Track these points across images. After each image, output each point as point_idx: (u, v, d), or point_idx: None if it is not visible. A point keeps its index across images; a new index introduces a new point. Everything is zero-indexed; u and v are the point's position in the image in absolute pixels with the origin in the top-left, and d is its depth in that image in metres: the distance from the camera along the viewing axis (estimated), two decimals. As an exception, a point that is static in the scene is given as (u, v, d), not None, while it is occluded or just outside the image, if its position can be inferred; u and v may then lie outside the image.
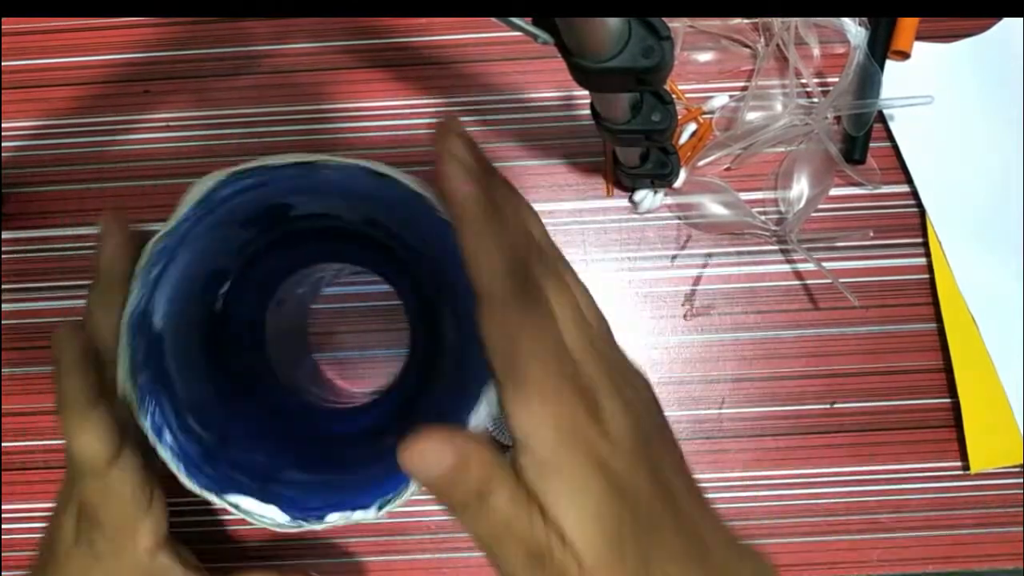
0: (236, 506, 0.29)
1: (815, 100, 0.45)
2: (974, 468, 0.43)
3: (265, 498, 0.30)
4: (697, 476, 0.26)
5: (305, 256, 0.38)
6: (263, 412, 0.36)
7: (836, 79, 0.45)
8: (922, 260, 0.44)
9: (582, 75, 0.28)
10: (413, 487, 0.28)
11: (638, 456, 0.24)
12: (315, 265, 0.39)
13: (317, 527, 0.29)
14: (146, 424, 0.28)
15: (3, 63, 0.46)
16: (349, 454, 0.35)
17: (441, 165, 0.23)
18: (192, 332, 0.32)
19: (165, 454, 0.29)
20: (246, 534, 0.43)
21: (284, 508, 0.30)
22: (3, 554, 0.44)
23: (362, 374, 0.44)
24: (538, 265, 0.25)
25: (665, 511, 0.23)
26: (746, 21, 0.45)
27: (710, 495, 0.25)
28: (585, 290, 0.28)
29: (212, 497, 0.29)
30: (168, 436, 0.29)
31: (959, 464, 0.43)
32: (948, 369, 0.43)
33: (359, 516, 0.29)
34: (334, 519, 0.29)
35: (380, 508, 0.29)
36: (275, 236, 0.34)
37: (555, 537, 0.22)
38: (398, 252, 0.35)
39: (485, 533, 0.23)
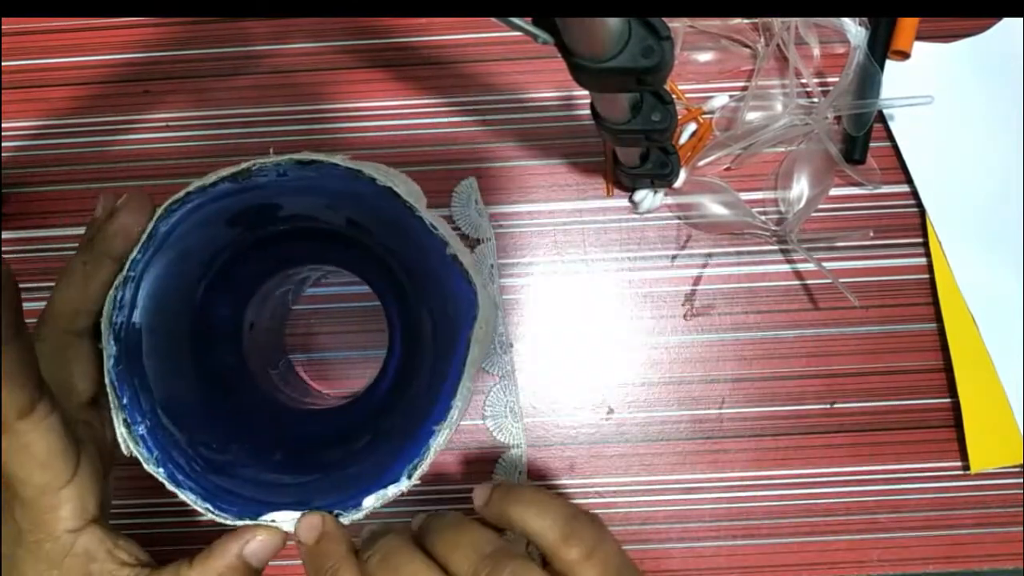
0: (272, 522, 0.29)
1: (815, 100, 0.45)
2: (974, 468, 0.43)
3: (248, 505, 0.29)
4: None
5: (287, 257, 0.38)
6: (239, 414, 0.36)
7: (836, 79, 0.45)
8: (922, 260, 0.44)
9: (582, 75, 0.28)
10: (422, 468, 0.28)
11: None
12: (297, 266, 0.39)
13: (358, 516, 0.29)
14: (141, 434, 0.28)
15: (3, 63, 0.46)
16: (324, 455, 0.35)
17: None
18: (172, 328, 0.32)
19: (187, 495, 0.28)
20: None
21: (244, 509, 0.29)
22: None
23: (337, 376, 0.44)
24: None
25: None
26: (746, 21, 0.45)
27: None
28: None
29: (243, 523, 0.28)
30: (176, 461, 0.29)
31: (959, 464, 0.43)
32: (948, 369, 0.43)
33: (393, 490, 0.29)
34: (370, 502, 0.29)
35: (409, 477, 0.28)
36: (259, 236, 0.34)
37: None
38: (378, 253, 0.35)
39: None
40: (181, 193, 0.28)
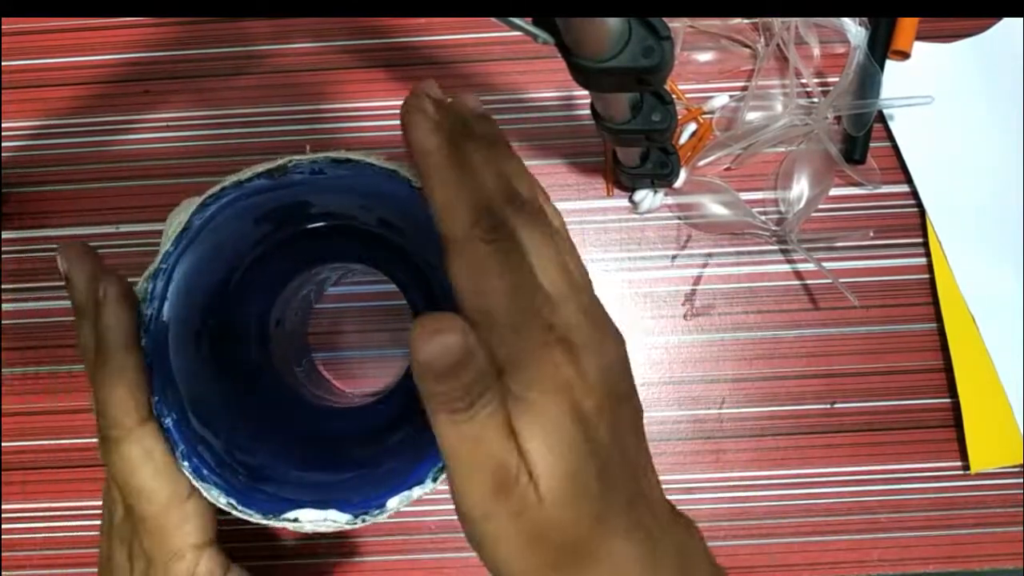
0: (296, 520, 0.28)
1: (815, 100, 0.45)
2: (974, 468, 0.43)
3: (281, 505, 0.29)
4: (645, 443, 0.27)
5: (317, 255, 0.38)
6: (265, 411, 0.36)
7: (836, 79, 0.45)
8: (922, 260, 0.44)
9: (582, 75, 0.28)
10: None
11: (608, 405, 0.24)
12: (325, 264, 0.39)
13: (381, 518, 0.28)
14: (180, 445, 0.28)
15: (3, 63, 0.46)
16: (357, 453, 0.35)
17: (406, 118, 0.24)
18: (197, 333, 0.32)
19: (211, 491, 0.28)
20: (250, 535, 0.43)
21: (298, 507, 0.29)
22: (3, 554, 0.44)
23: (363, 375, 0.44)
24: (516, 213, 0.24)
25: (623, 465, 0.24)
26: (746, 21, 0.45)
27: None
28: (568, 243, 0.27)
29: (268, 521, 0.28)
30: (195, 457, 0.28)
31: (959, 464, 0.43)
32: (948, 369, 0.43)
33: (418, 492, 0.28)
34: (395, 503, 0.28)
35: (435, 480, 0.28)
36: (290, 233, 0.34)
37: (524, 469, 0.22)
38: (408, 251, 0.35)
39: (458, 445, 0.22)
40: (217, 188, 0.28)
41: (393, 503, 0.28)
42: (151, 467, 0.27)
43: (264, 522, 0.28)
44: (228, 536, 0.43)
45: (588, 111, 0.35)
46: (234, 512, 0.28)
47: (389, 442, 0.34)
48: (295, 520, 0.28)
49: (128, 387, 0.26)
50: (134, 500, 0.27)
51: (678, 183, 0.44)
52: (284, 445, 0.34)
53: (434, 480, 0.28)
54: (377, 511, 0.29)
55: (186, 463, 0.28)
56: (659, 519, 0.24)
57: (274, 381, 0.38)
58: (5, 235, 0.45)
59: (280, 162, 0.28)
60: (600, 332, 0.25)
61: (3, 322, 0.45)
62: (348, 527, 0.29)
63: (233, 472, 0.29)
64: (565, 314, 0.23)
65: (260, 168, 0.28)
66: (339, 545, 0.43)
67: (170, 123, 0.46)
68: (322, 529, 0.29)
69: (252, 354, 0.37)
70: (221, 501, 0.28)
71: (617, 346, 0.25)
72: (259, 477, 0.30)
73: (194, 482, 0.28)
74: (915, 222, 0.44)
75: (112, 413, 0.26)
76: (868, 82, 0.44)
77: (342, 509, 0.29)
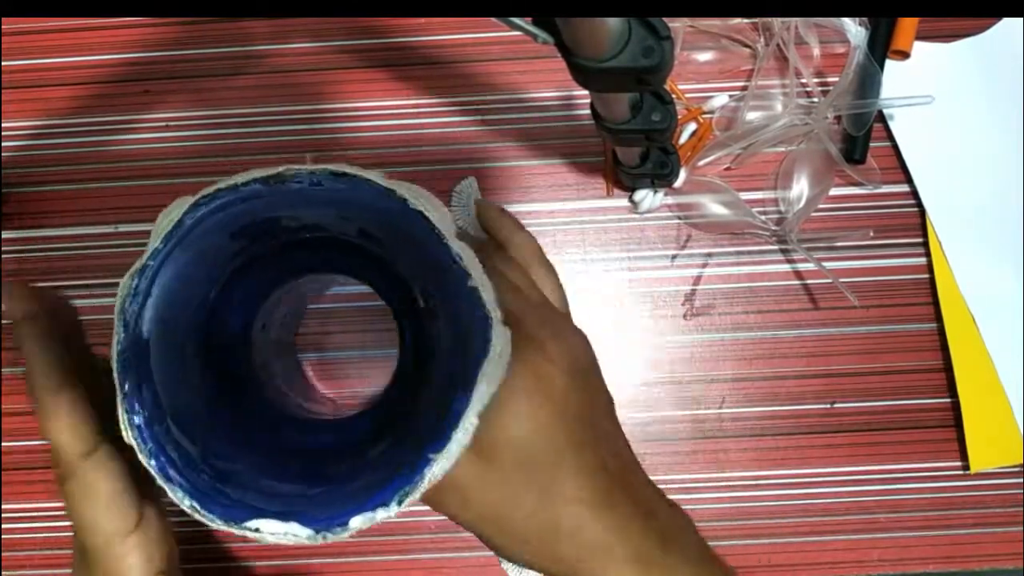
0: (257, 530, 0.28)
1: (815, 100, 0.45)
2: (974, 468, 0.43)
3: (255, 514, 0.29)
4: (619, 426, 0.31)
5: (295, 267, 0.38)
6: (246, 423, 0.35)
7: (836, 79, 0.45)
8: (922, 260, 0.44)
9: (582, 75, 0.28)
10: (423, 486, 0.28)
11: (575, 379, 0.29)
12: (305, 276, 0.39)
13: (343, 536, 0.29)
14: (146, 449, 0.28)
15: (3, 63, 0.46)
16: (333, 467, 0.34)
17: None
18: (180, 338, 0.32)
19: (175, 492, 0.28)
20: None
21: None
22: (3, 554, 0.44)
23: (348, 376, 0.44)
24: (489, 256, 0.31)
25: (588, 430, 0.29)
26: (746, 21, 0.45)
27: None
28: (541, 266, 0.35)
29: (230, 528, 0.28)
30: (163, 458, 0.28)
31: (959, 464, 0.43)
32: (948, 369, 0.43)
33: (382, 514, 0.28)
34: (357, 523, 0.28)
35: (400, 503, 0.28)
36: (265, 247, 0.34)
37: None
38: (390, 263, 0.35)
39: None
40: (211, 188, 0.27)
41: (356, 523, 0.28)
42: (93, 501, 0.27)
43: (225, 528, 0.28)
44: (237, 536, 0.43)
45: (588, 111, 0.35)
46: (196, 515, 0.28)
47: (370, 455, 0.34)
48: (256, 530, 0.28)
49: (64, 425, 0.26)
50: (80, 534, 0.28)
51: (678, 183, 0.44)
52: (263, 455, 0.34)
53: (399, 503, 0.28)
54: (339, 529, 0.28)
55: (153, 462, 0.28)
56: (640, 495, 0.29)
57: (258, 391, 0.37)
58: (5, 235, 0.45)
59: (279, 170, 0.27)
60: (559, 331, 0.31)
61: (3, 322, 0.45)
62: (308, 543, 0.28)
63: (200, 474, 0.29)
64: (528, 324, 0.30)
65: (258, 173, 0.27)
66: (339, 545, 0.43)
67: (169, 123, 0.46)
68: (282, 542, 0.28)
69: (236, 364, 0.37)
70: (185, 503, 0.28)
71: (576, 338, 0.31)
72: (226, 480, 0.30)
73: (160, 482, 0.28)
74: (915, 222, 0.44)
75: (54, 450, 0.27)
76: (868, 82, 0.44)
77: (305, 523, 0.28)
